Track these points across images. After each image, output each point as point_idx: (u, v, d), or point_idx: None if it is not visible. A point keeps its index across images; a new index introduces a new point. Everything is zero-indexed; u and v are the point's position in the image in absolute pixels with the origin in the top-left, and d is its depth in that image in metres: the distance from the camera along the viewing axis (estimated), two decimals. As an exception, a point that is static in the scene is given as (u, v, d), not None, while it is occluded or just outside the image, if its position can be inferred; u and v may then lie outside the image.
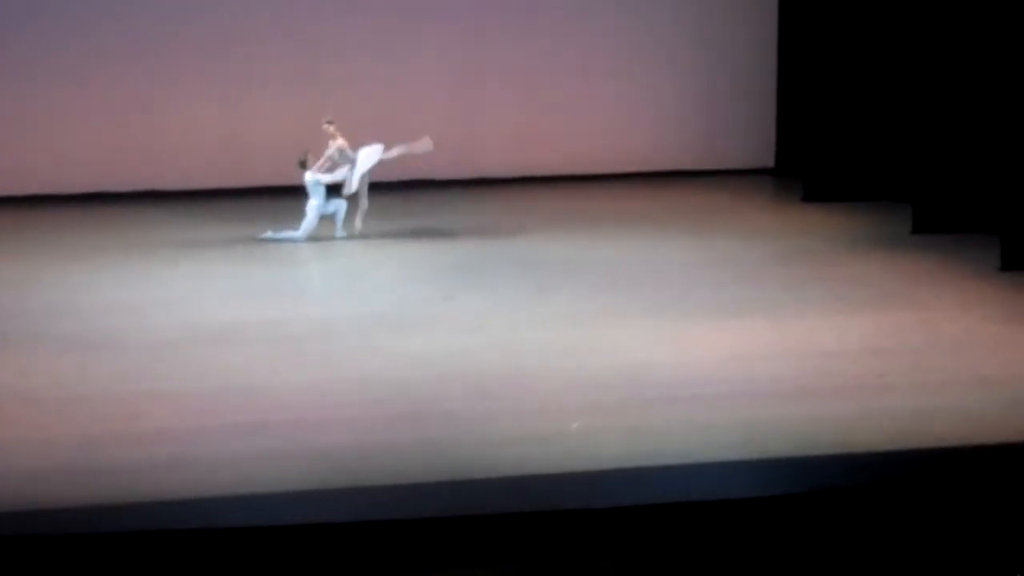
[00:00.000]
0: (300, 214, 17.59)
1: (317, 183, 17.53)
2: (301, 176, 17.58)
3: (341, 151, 17.54)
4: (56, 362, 12.94)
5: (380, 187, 18.02)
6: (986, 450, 10.75)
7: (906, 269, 16.09)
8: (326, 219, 17.67)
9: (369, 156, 17.63)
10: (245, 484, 10.29)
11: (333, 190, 17.72)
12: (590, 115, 21.43)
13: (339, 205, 17.68)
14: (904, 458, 10.67)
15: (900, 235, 17.59)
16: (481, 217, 18.95)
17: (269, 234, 17.58)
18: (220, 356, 13.13)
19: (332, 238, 17.66)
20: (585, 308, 14.61)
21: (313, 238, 17.59)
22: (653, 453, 10.75)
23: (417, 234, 17.88)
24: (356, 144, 17.67)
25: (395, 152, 17.78)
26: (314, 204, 17.57)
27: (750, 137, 21.70)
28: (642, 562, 9.34)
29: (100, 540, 9.27)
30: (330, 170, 17.59)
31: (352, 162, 17.54)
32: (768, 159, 21.80)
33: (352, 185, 17.59)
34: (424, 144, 17.96)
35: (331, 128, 17.59)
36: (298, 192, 17.74)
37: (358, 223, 17.73)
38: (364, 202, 17.74)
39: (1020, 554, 9.21)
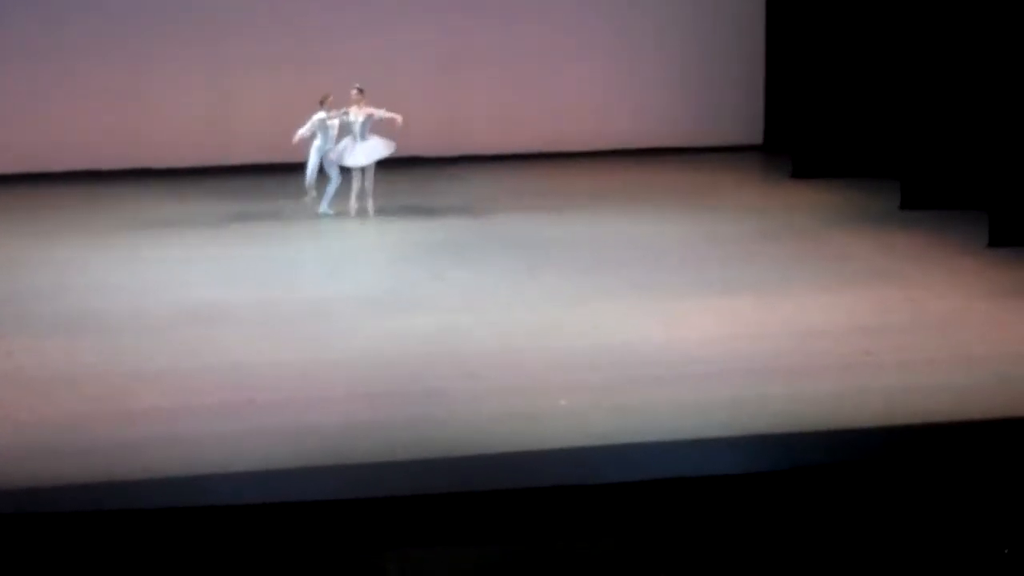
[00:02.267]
0: (286, 191, 17.55)
1: (324, 122, 17.41)
2: (305, 129, 17.40)
3: (364, 119, 17.39)
4: (43, 342, 12.92)
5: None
6: (973, 427, 10.79)
7: (894, 245, 16.11)
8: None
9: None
10: (234, 462, 10.30)
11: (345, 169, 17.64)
12: (578, 93, 21.43)
13: (335, 179, 17.60)
14: (891, 435, 10.70)
15: (888, 211, 17.62)
16: (468, 196, 18.94)
17: (324, 208, 17.52)
18: (208, 336, 13.12)
19: (319, 217, 17.59)
20: (572, 287, 14.62)
21: (300, 218, 17.54)
22: (640, 430, 10.77)
23: (405, 213, 17.86)
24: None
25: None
26: (317, 145, 17.46)
27: (738, 114, 21.70)
28: (630, 538, 9.37)
29: (89, 518, 9.29)
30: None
31: (357, 137, 17.41)
32: (756, 136, 21.81)
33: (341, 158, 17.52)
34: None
35: (359, 95, 17.40)
36: (284, 170, 17.70)
37: (352, 203, 17.62)
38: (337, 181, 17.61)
39: (1006, 530, 9.25)
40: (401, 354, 12.59)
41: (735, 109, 21.70)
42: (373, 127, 17.44)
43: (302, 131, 17.39)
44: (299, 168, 17.81)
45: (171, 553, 9.13)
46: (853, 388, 11.64)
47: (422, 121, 18.68)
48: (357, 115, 17.39)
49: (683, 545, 9.30)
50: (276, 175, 18.19)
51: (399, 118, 17.34)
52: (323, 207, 17.62)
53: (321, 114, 17.39)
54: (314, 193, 17.57)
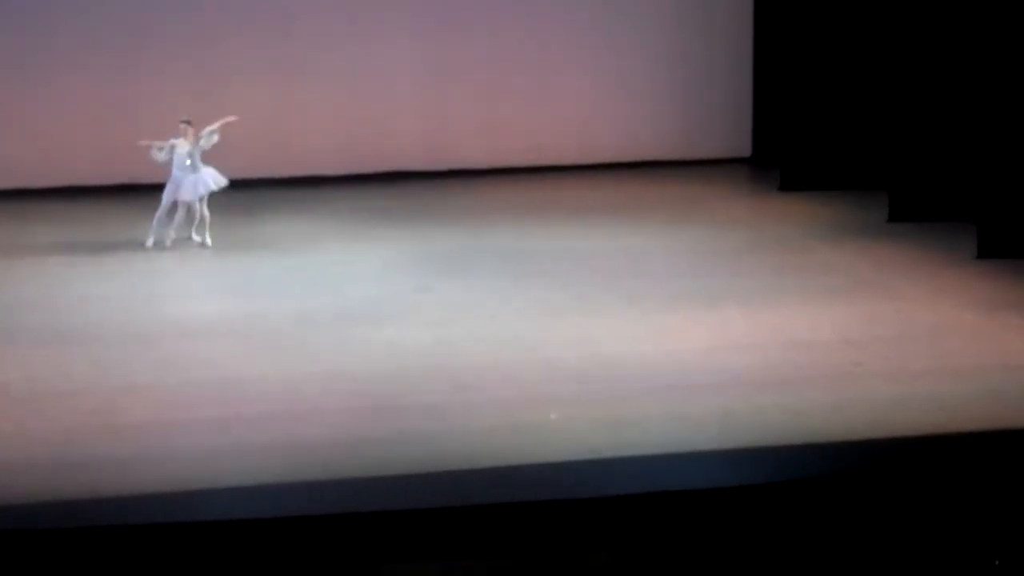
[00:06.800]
0: (274, 206, 17.46)
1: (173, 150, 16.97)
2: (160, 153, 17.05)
3: (192, 150, 16.92)
4: (31, 356, 12.90)
5: (354, 178, 17.95)
6: (961, 439, 10.80)
7: (882, 258, 16.13)
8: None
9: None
10: (222, 478, 10.29)
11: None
12: (566, 106, 21.42)
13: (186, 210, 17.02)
14: (879, 447, 10.72)
15: (876, 224, 17.63)
16: (457, 209, 18.92)
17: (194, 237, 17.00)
18: (196, 350, 13.10)
19: (307, 230, 17.57)
20: (562, 299, 14.62)
21: (289, 230, 17.50)
22: (631, 443, 10.78)
23: (392, 226, 17.83)
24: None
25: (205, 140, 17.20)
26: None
27: (727, 127, 21.71)
28: (623, 551, 9.36)
29: (75, 535, 9.26)
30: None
31: (187, 170, 16.92)
32: (745, 148, 21.82)
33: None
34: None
35: (188, 128, 16.97)
36: (274, 184, 17.67)
37: (196, 235, 17.09)
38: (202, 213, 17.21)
39: (996, 542, 9.26)
40: (390, 367, 12.58)
41: (723, 122, 21.71)
42: (205, 156, 17.01)
43: (158, 152, 17.05)
44: (288, 182, 17.79)
45: (160, 570, 9.10)
46: (842, 400, 11.65)
47: (409, 134, 18.66)
48: (184, 147, 16.99)
49: (675, 558, 9.30)
50: (262, 188, 18.13)
51: (232, 118, 16.93)
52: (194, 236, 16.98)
53: (173, 141, 16.99)
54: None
